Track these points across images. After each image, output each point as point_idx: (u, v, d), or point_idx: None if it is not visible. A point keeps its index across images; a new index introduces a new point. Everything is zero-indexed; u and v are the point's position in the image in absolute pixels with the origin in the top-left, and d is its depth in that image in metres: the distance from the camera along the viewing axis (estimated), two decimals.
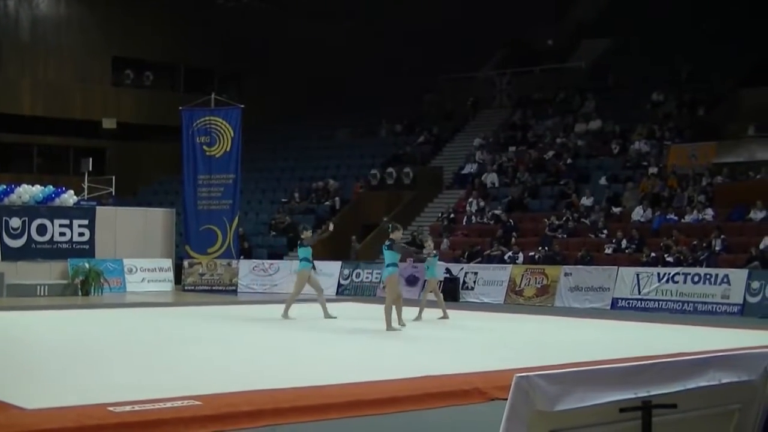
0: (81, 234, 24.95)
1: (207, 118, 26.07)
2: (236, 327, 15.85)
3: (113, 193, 30.00)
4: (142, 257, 25.77)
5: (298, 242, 17.51)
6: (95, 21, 36.64)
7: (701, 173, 24.75)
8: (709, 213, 23.00)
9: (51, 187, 25.76)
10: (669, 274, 20.44)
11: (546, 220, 25.14)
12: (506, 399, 3.48)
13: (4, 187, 24.77)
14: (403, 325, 15.26)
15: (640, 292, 20.67)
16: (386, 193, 30.05)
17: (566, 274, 21.83)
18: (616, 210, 24.91)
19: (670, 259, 21.27)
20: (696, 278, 20.04)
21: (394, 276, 14.96)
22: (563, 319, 17.98)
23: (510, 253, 23.94)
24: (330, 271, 24.70)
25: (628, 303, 20.75)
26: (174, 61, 38.70)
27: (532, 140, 30.59)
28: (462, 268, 23.55)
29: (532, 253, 23.65)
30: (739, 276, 19.45)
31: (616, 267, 21.48)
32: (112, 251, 25.34)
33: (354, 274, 24.92)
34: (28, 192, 24.79)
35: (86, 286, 23.61)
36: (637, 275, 20.84)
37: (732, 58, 29.23)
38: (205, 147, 25.92)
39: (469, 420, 8.13)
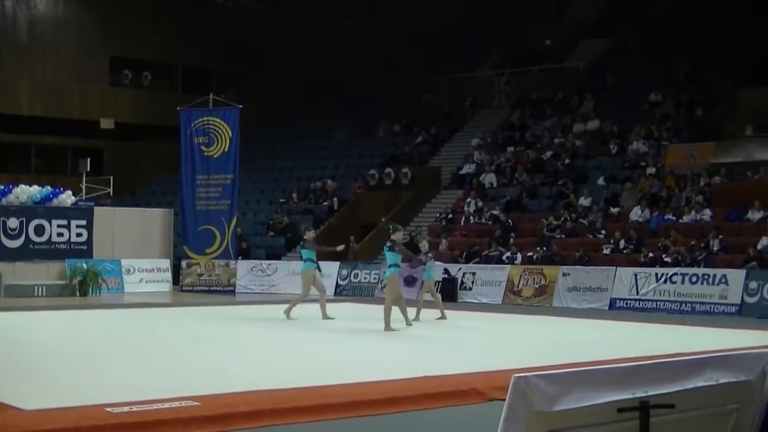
0: (79, 234, 24.93)
1: (205, 118, 26.07)
2: (234, 327, 15.84)
3: (111, 194, 29.97)
4: (140, 258, 25.76)
5: (301, 243, 17.47)
6: (93, 21, 36.63)
7: (699, 173, 24.77)
8: (707, 213, 23.01)
9: (49, 187, 25.74)
10: (667, 274, 20.44)
11: (544, 220, 25.15)
12: (504, 399, 3.48)
13: (2, 187, 24.75)
14: (410, 324, 15.26)
15: (638, 293, 20.68)
16: (384, 193, 30.05)
17: (564, 275, 21.83)
18: (614, 210, 24.92)
19: (668, 259, 21.28)
20: (694, 278, 20.05)
21: (394, 276, 14.99)
22: (561, 320, 17.99)
23: (508, 254, 23.95)
24: (328, 271, 24.63)
25: (626, 303, 20.75)
26: (172, 62, 38.68)
27: (531, 140, 30.60)
28: (460, 269, 23.55)
29: (531, 254, 23.66)
30: (736, 276, 19.46)
31: (614, 267, 21.49)
32: (110, 252, 25.33)
33: (352, 275, 24.92)
34: (25, 192, 24.77)
35: (84, 287, 23.59)
36: (635, 275, 20.85)
37: (730, 58, 29.25)
38: (203, 147, 25.92)
39: (468, 420, 8.14)
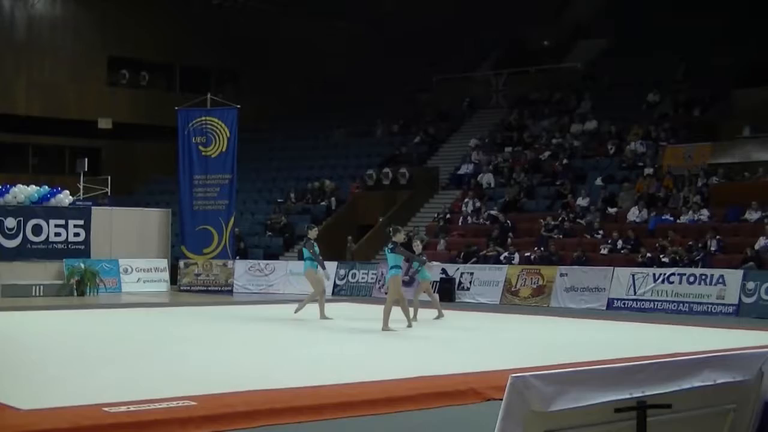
0: (76, 234, 24.92)
1: (203, 118, 26.06)
2: (232, 327, 15.84)
3: (109, 193, 29.97)
4: (137, 257, 25.75)
5: (303, 241, 17.45)
6: (91, 21, 36.59)
7: (697, 174, 24.78)
8: (704, 213, 23.03)
9: (46, 187, 25.73)
10: (664, 274, 20.45)
11: (542, 220, 25.15)
12: (502, 399, 3.48)
13: (0, 187, 24.74)
14: (410, 325, 15.27)
15: (635, 293, 20.69)
16: (382, 193, 30.05)
17: (562, 275, 21.84)
18: (611, 210, 24.93)
19: (665, 259, 21.29)
20: (691, 279, 20.06)
21: (397, 278, 15.05)
22: (559, 320, 18.01)
23: (506, 254, 23.95)
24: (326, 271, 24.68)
25: (624, 303, 20.76)
26: (170, 61, 38.66)
27: (528, 141, 30.60)
28: (458, 269, 23.55)
29: (528, 254, 23.66)
30: (734, 276, 19.47)
31: (611, 267, 21.49)
32: (107, 251, 25.31)
33: (350, 275, 24.91)
34: (23, 192, 24.76)
35: (82, 287, 23.58)
36: (633, 276, 20.86)
37: (727, 58, 29.25)
38: (201, 147, 25.91)
39: (465, 420, 8.14)
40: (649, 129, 27.85)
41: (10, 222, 23.95)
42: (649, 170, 25.92)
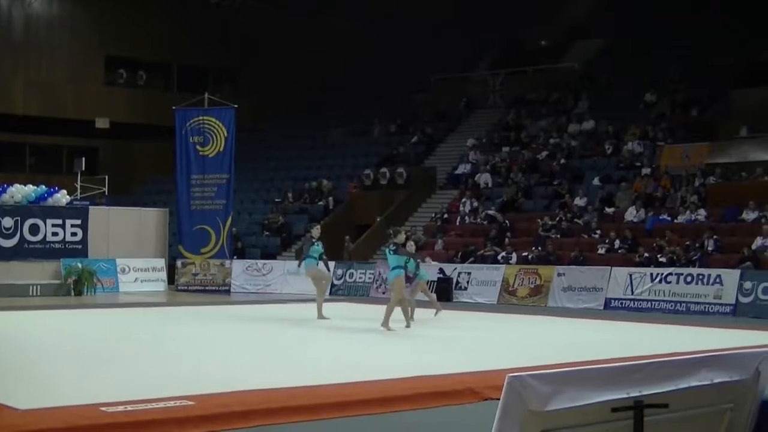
0: (74, 234, 24.90)
1: (200, 117, 26.06)
2: (229, 327, 15.84)
3: (106, 193, 29.95)
4: (135, 257, 25.73)
5: (307, 239, 17.45)
6: (88, 20, 36.56)
7: (694, 174, 24.80)
8: (701, 213, 23.04)
9: (44, 186, 25.71)
10: (662, 274, 20.47)
11: (539, 220, 25.16)
12: (499, 399, 3.48)
13: None
14: (409, 326, 15.28)
15: (633, 293, 20.70)
16: (380, 193, 30.05)
17: (559, 275, 21.85)
18: (609, 210, 24.95)
19: (663, 259, 21.30)
20: (689, 278, 20.08)
21: (400, 278, 15.08)
22: (556, 319, 18.01)
23: (503, 254, 23.96)
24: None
25: (621, 303, 20.77)
26: (167, 61, 38.63)
27: (526, 140, 30.61)
28: (455, 269, 23.56)
29: (526, 254, 23.66)
30: (731, 276, 19.50)
31: (609, 267, 21.50)
32: (105, 251, 25.29)
33: (347, 274, 24.91)
34: (20, 191, 24.74)
35: (79, 286, 23.56)
36: (630, 275, 20.87)
37: (725, 58, 29.28)
38: (198, 147, 25.91)
39: (462, 420, 8.14)
40: (646, 129, 27.87)
41: (7, 222, 23.93)
42: (646, 170, 25.93)
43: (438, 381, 9.38)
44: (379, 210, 28.88)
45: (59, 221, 24.75)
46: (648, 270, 20.81)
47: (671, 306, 20.03)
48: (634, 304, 20.57)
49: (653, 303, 20.31)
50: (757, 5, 29.82)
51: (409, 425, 8.01)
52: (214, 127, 25.91)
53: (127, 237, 25.82)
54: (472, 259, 24.23)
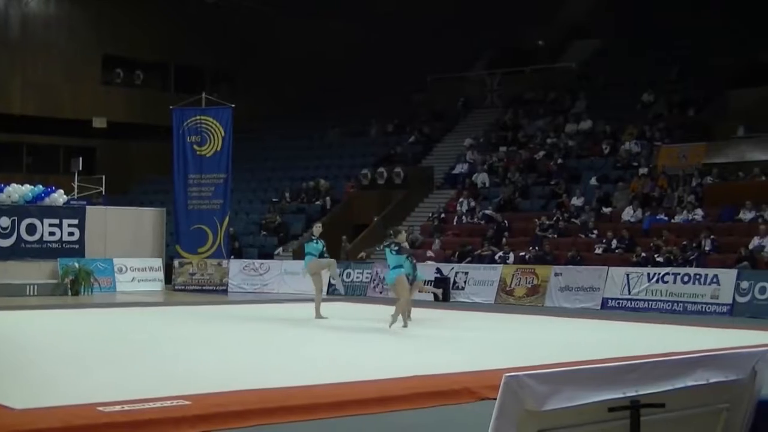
0: (71, 233, 24.89)
1: (198, 117, 26.05)
2: (226, 327, 15.84)
3: (103, 193, 29.93)
4: (132, 257, 25.71)
5: (308, 237, 17.46)
6: (85, 19, 36.54)
7: (691, 173, 24.82)
8: (698, 213, 23.06)
9: (41, 186, 25.68)
10: (659, 274, 20.48)
11: (536, 220, 25.17)
12: (496, 398, 3.48)
13: None
14: (406, 326, 15.30)
15: (630, 292, 20.71)
16: (377, 192, 30.04)
17: (556, 274, 21.86)
18: (606, 210, 24.96)
19: (660, 259, 21.32)
20: (686, 278, 20.09)
21: (402, 276, 15.17)
22: (553, 319, 18.02)
23: (501, 253, 23.97)
24: None
25: (618, 303, 20.78)
26: (165, 60, 38.62)
27: (523, 140, 30.63)
28: (453, 268, 23.56)
29: (523, 253, 23.67)
30: (728, 276, 19.51)
31: (606, 267, 21.51)
32: (102, 251, 25.27)
33: (345, 274, 24.87)
34: (17, 191, 24.71)
35: (76, 286, 23.54)
36: (627, 275, 20.88)
37: (721, 59, 29.31)
38: (195, 146, 25.90)
39: (459, 419, 8.14)
40: (643, 129, 27.90)
41: (4, 221, 23.91)
42: (643, 170, 25.95)
43: (435, 381, 9.38)
44: (377, 210, 28.88)
45: (56, 221, 24.73)
46: (645, 270, 20.83)
47: (668, 306, 20.05)
48: (631, 303, 20.58)
49: (650, 303, 20.32)
50: (754, 5, 29.85)
51: (406, 425, 8.02)
52: (212, 127, 25.89)
53: (124, 237, 25.80)
54: (469, 258, 24.24)
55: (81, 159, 29.67)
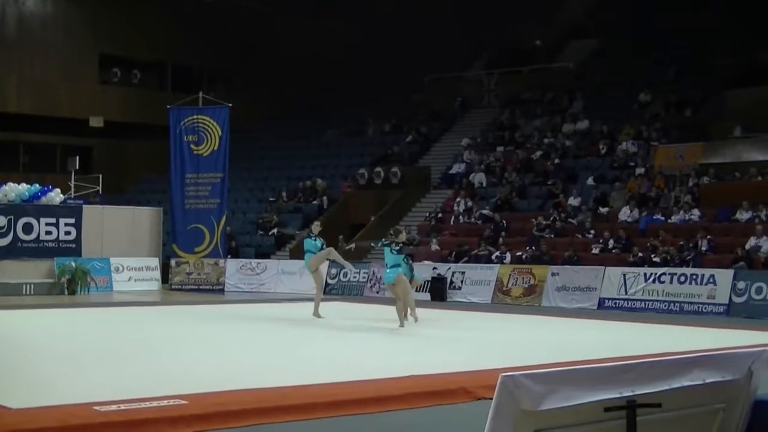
0: (67, 233, 24.86)
1: (195, 116, 26.04)
2: (223, 326, 15.83)
3: (100, 192, 29.89)
4: (129, 256, 25.69)
5: (307, 234, 17.46)
6: (82, 18, 36.50)
7: (688, 174, 24.84)
8: (695, 213, 23.08)
9: (37, 185, 25.64)
10: (655, 274, 20.50)
11: (533, 220, 25.17)
12: (492, 398, 3.48)
13: None
14: (402, 325, 15.34)
15: (626, 292, 20.73)
16: (374, 192, 30.03)
17: (553, 274, 21.87)
18: (603, 210, 24.97)
19: (656, 259, 21.33)
20: (682, 278, 20.11)
21: (403, 276, 15.34)
22: (550, 319, 18.02)
23: (497, 253, 23.97)
24: None
25: (615, 303, 20.80)
26: (162, 60, 38.59)
27: (520, 140, 30.63)
28: (449, 268, 23.56)
29: (520, 253, 23.67)
30: (725, 276, 19.53)
31: (603, 267, 21.52)
32: (98, 250, 25.24)
33: (341, 274, 24.89)
34: (14, 190, 24.67)
35: (73, 285, 23.52)
36: (624, 275, 20.90)
37: (718, 59, 29.33)
38: (192, 146, 25.88)
39: (455, 419, 8.14)
40: (640, 129, 27.91)
41: (1, 220, 23.87)
42: (640, 170, 25.96)
43: (432, 380, 9.38)
44: (374, 209, 28.87)
45: (53, 220, 24.70)
46: (642, 270, 20.84)
47: (665, 306, 20.06)
48: (627, 303, 20.59)
49: (647, 303, 20.34)
50: (752, 5, 29.87)
51: (403, 425, 8.02)
52: (209, 126, 25.88)
53: (121, 236, 25.78)
54: (466, 258, 24.24)
55: (78, 158, 29.64)
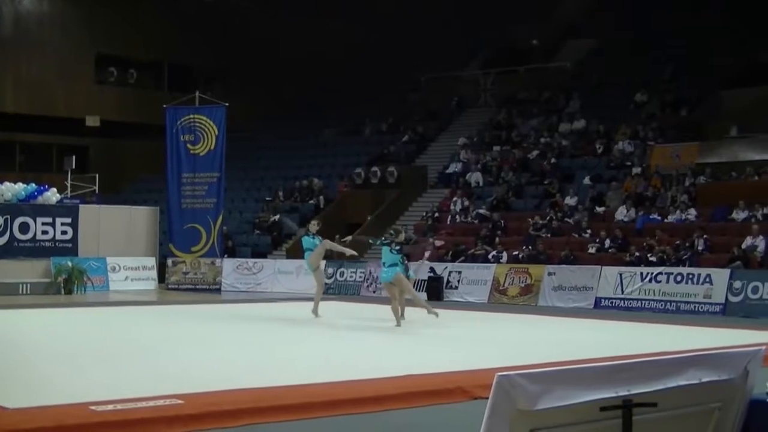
0: (64, 232, 24.83)
1: (191, 116, 26.03)
2: (219, 326, 15.82)
3: (97, 191, 29.86)
4: (125, 256, 25.66)
5: (305, 232, 17.47)
6: (78, 18, 36.46)
7: (684, 173, 24.86)
8: (691, 213, 23.10)
9: (34, 184, 25.61)
10: (652, 273, 20.51)
11: (530, 219, 25.19)
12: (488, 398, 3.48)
13: None
14: (399, 325, 15.35)
15: (623, 292, 20.74)
16: (371, 192, 30.04)
17: (550, 274, 21.88)
18: (599, 210, 24.99)
19: (653, 258, 21.35)
20: (679, 278, 20.13)
21: (401, 275, 15.46)
22: (546, 319, 18.03)
23: (494, 253, 23.98)
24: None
25: (611, 302, 20.81)
26: (158, 59, 38.57)
27: (517, 140, 30.65)
28: (446, 267, 23.57)
29: (516, 253, 23.69)
30: (721, 275, 19.55)
31: (599, 266, 21.53)
32: (95, 249, 25.22)
33: (338, 273, 24.90)
34: (10, 190, 24.65)
35: (69, 285, 23.50)
36: (620, 275, 20.91)
37: (715, 59, 29.37)
38: (189, 145, 25.87)
39: (452, 419, 8.15)
40: (637, 128, 27.93)
41: None
42: (636, 170, 25.99)
43: (428, 380, 9.38)
44: (370, 209, 28.87)
45: (49, 219, 24.68)
46: (638, 269, 20.86)
47: (661, 305, 20.08)
48: (624, 303, 20.61)
49: (643, 302, 20.35)
50: (749, 5, 29.90)
51: (400, 424, 8.02)
52: (205, 126, 25.87)
53: (118, 235, 25.75)
54: (462, 258, 24.25)
55: (74, 158, 29.61)
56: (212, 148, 25.83)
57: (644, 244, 21.95)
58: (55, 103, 35.52)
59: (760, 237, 20.79)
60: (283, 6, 37.48)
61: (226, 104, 26.28)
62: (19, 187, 24.96)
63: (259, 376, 9.48)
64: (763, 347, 4.36)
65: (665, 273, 20.36)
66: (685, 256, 21.03)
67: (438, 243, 25.12)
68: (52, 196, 25.30)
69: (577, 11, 37.11)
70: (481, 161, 29.82)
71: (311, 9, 37.06)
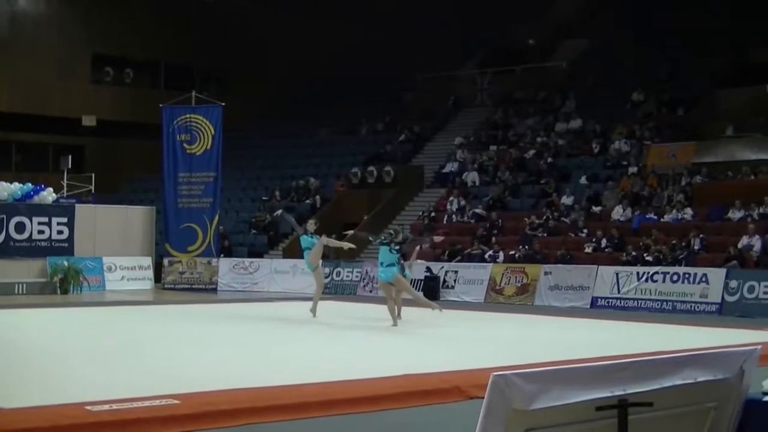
0: (60, 232, 24.80)
1: (188, 115, 26.01)
2: (216, 325, 15.81)
3: (93, 191, 29.83)
4: (121, 255, 25.64)
5: (303, 231, 17.47)
6: (75, 17, 36.42)
7: (680, 173, 24.89)
8: (688, 212, 23.13)
9: (30, 184, 25.58)
10: (648, 273, 20.53)
11: (526, 219, 25.20)
12: (484, 397, 3.48)
13: None
14: (395, 324, 15.35)
15: (619, 291, 20.75)
16: (367, 191, 30.03)
17: (546, 273, 21.88)
18: (596, 209, 25.00)
19: (649, 258, 21.37)
20: (675, 277, 20.14)
21: (400, 276, 15.62)
22: (543, 318, 18.04)
23: (490, 252, 23.98)
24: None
25: (608, 302, 20.82)
26: (154, 59, 38.54)
27: (513, 139, 30.67)
28: (442, 267, 23.56)
29: (513, 252, 23.70)
30: (717, 275, 19.57)
31: (595, 266, 21.54)
32: (91, 249, 25.19)
33: (334, 273, 24.89)
34: (6, 189, 24.61)
35: (65, 285, 23.48)
36: (617, 274, 20.93)
37: (711, 58, 29.39)
38: (185, 145, 25.85)
39: (448, 418, 8.15)
40: (633, 128, 27.96)
41: None
42: (633, 169, 26.01)
43: (424, 379, 9.38)
44: (367, 208, 28.86)
45: (45, 219, 24.64)
46: (634, 269, 20.88)
47: (657, 305, 20.09)
48: (620, 302, 20.62)
49: (639, 302, 20.37)
50: (743, 6, 29.92)
51: (396, 424, 8.02)
52: (202, 126, 25.85)
53: (114, 235, 25.73)
54: (459, 257, 24.25)
55: (70, 157, 29.58)
56: (209, 147, 25.82)
57: (640, 243, 21.97)
58: (52, 102, 35.49)
59: (756, 236, 20.82)
60: (280, 6, 37.46)
61: (223, 104, 26.26)
62: (15, 186, 24.92)
63: (255, 376, 9.47)
64: (759, 347, 4.36)
65: (661, 272, 20.37)
66: (681, 256, 21.05)
67: (439, 239, 25.15)
68: (48, 195, 25.26)
69: (574, 11, 37.11)
70: (477, 161, 29.83)
71: (305, 9, 37.04)
